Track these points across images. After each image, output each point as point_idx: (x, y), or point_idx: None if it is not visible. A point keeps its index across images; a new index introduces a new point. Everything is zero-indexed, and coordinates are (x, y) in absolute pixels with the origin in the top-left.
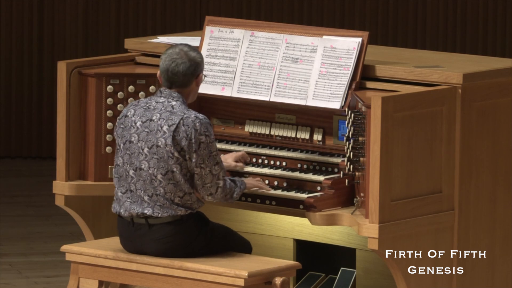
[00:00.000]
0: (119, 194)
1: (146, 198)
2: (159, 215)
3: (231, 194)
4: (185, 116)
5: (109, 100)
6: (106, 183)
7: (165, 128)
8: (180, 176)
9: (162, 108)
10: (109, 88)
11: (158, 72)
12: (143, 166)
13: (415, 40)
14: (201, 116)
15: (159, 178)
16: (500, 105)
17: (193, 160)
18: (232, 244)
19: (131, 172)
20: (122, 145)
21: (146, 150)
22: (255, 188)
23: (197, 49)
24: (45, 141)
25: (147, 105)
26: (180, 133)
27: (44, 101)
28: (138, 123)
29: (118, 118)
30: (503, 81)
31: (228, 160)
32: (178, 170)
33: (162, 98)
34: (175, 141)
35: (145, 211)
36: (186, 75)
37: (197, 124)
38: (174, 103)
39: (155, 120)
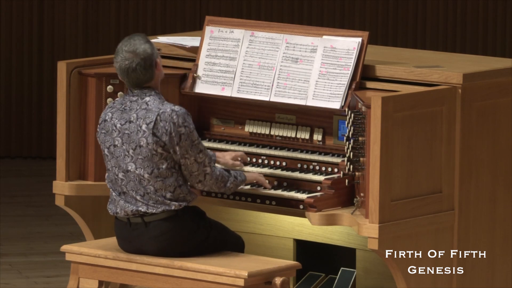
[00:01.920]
0: (114, 195)
1: (138, 197)
2: (154, 210)
3: (224, 182)
4: (161, 111)
5: (109, 100)
6: (106, 183)
7: (144, 127)
8: (167, 171)
9: (137, 107)
10: (109, 88)
11: (119, 76)
12: (130, 168)
13: (415, 40)
14: (177, 108)
15: (146, 178)
16: (500, 105)
17: (178, 153)
18: (228, 238)
19: (120, 175)
20: (106, 149)
21: (131, 151)
22: (255, 181)
23: (140, 38)
24: (45, 141)
25: (123, 106)
26: (159, 129)
27: (44, 101)
28: (118, 126)
29: (98, 123)
30: (503, 81)
31: (225, 157)
32: (164, 166)
33: (134, 96)
34: (155, 138)
35: (140, 208)
36: (146, 72)
37: (174, 117)
38: (147, 98)
39: (134, 120)
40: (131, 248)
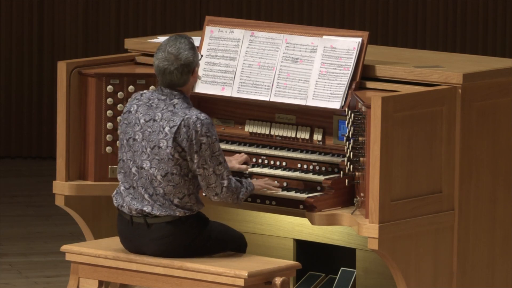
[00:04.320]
0: (122, 188)
1: (146, 196)
2: (158, 213)
3: (237, 194)
4: (186, 116)
5: (109, 100)
6: (106, 183)
7: (166, 129)
8: (179, 178)
9: (164, 107)
10: (109, 88)
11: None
12: (144, 165)
13: (415, 40)
14: (202, 116)
15: (158, 179)
16: (500, 105)
17: (195, 161)
18: (229, 241)
19: (133, 169)
20: (125, 141)
21: (148, 150)
22: (262, 189)
23: (187, 43)
24: (45, 141)
25: (150, 101)
26: (181, 134)
27: (44, 101)
28: (142, 121)
29: (122, 112)
30: (503, 81)
31: (232, 162)
32: (177, 172)
33: (163, 95)
34: (175, 143)
35: (145, 208)
36: (181, 77)
37: (198, 125)
38: (176, 100)
39: (158, 120)
40: (131, 247)
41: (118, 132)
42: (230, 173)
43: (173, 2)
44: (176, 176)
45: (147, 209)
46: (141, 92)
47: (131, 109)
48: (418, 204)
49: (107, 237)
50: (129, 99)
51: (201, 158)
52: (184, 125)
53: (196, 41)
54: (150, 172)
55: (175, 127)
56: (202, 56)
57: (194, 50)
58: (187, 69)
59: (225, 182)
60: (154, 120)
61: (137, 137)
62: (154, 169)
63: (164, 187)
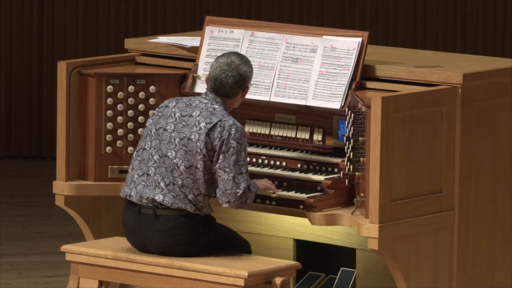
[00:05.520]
0: (135, 176)
1: (162, 184)
2: (169, 204)
3: (245, 201)
4: (224, 119)
5: (109, 100)
6: (106, 183)
7: (202, 124)
8: (201, 174)
9: (204, 108)
10: (109, 88)
11: (207, 75)
12: (169, 154)
13: (415, 40)
14: (239, 124)
15: (181, 169)
16: (500, 105)
17: (219, 161)
18: (233, 244)
19: (155, 157)
20: (154, 130)
21: (177, 140)
22: (265, 189)
23: (248, 61)
24: (45, 141)
25: (190, 101)
26: (215, 133)
27: (44, 101)
28: (177, 115)
29: (158, 107)
30: (503, 81)
31: (262, 181)
32: (201, 167)
33: (206, 100)
34: (208, 138)
35: (156, 197)
36: (233, 88)
37: (233, 129)
38: (216, 106)
39: (194, 116)
40: (134, 239)
41: (147, 124)
42: (247, 184)
43: (173, 2)
44: (199, 171)
45: (159, 198)
46: (181, 96)
47: (169, 105)
48: (418, 204)
49: (107, 237)
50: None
51: (225, 160)
52: (220, 126)
53: (196, 41)
54: (174, 161)
55: (211, 124)
56: (251, 84)
57: (252, 71)
58: (242, 82)
59: (240, 192)
60: (191, 116)
61: (168, 127)
62: (178, 159)
63: (184, 179)
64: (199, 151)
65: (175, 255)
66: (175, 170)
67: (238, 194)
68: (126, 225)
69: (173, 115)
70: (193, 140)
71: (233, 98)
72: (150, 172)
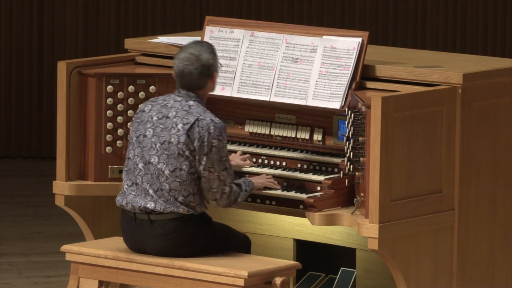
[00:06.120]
0: (125, 187)
1: (151, 191)
2: (161, 209)
3: (235, 199)
4: (200, 117)
5: (109, 100)
6: (106, 183)
7: (179, 126)
8: (187, 175)
9: (179, 107)
10: (109, 88)
11: (173, 73)
12: (152, 160)
13: (415, 40)
14: (216, 120)
15: (166, 174)
16: (500, 105)
17: (203, 163)
18: (233, 242)
19: (140, 165)
20: (135, 138)
21: (158, 145)
22: (263, 186)
23: (207, 48)
24: (45, 141)
25: (165, 102)
26: (194, 133)
27: (44, 101)
28: (154, 118)
29: (135, 113)
30: (503, 81)
31: (236, 160)
32: (186, 169)
33: (179, 97)
34: (188, 139)
35: (148, 205)
36: (200, 80)
37: (211, 127)
38: (191, 103)
39: (171, 117)
40: (133, 243)
41: (130, 131)
42: (233, 180)
43: (173, 2)
44: (184, 172)
45: (150, 205)
46: (157, 96)
47: (145, 109)
48: (418, 204)
49: (107, 237)
50: (144, 102)
51: (209, 161)
52: (198, 125)
53: None
54: (158, 167)
55: (189, 125)
56: (221, 65)
57: (215, 55)
58: (206, 71)
59: (227, 189)
60: (167, 117)
61: (147, 133)
62: (162, 164)
63: (171, 182)
64: (181, 153)
65: (175, 257)
66: (161, 176)
67: (225, 192)
68: (124, 231)
69: (150, 119)
70: (174, 143)
71: (204, 88)
72: (138, 181)
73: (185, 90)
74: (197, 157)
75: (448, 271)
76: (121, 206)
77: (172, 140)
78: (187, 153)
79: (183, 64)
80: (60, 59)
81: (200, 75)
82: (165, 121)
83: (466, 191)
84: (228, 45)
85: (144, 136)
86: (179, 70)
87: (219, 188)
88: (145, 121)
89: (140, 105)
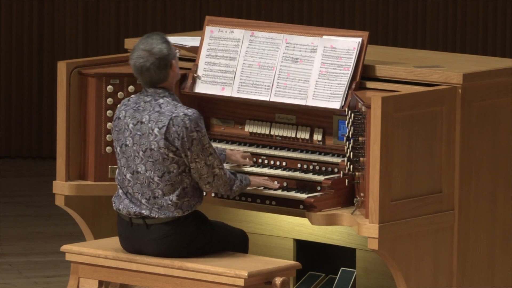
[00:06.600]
0: (120, 192)
1: (143, 201)
2: (157, 216)
3: (230, 185)
4: (173, 115)
5: (109, 100)
6: (106, 183)
7: (156, 131)
8: (177, 175)
9: (151, 109)
10: (109, 88)
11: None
12: (139, 169)
13: (415, 40)
14: (190, 112)
15: (156, 181)
16: (500, 105)
17: (188, 157)
18: (230, 239)
19: (128, 175)
20: (119, 148)
21: (141, 153)
22: (259, 186)
23: (159, 38)
24: (45, 141)
25: (137, 105)
26: (172, 134)
27: (44, 101)
28: (130, 125)
29: (113, 120)
30: (503, 81)
31: (237, 155)
32: (175, 170)
33: (148, 97)
34: (168, 142)
35: (143, 211)
36: (160, 73)
37: (187, 121)
38: (161, 101)
39: (145, 122)
40: (131, 248)
41: (113, 140)
42: (222, 164)
43: (173, 2)
44: (173, 174)
45: (145, 212)
46: (128, 97)
47: (120, 115)
48: (418, 204)
49: (107, 237)
50: (118, 106)
51: (193, 153)
52: (173, 124)
53: (196, 41)
54: (146, 175)
55: (164, 128)
56: (178, 51)
57: (168, 43)
58: (164, 63)
59: (216, 171)
60: (142, 123)
61: (128, 142)
62: (150, 171)
63: (163, 187)
64: (165, 157)
65: (175, 258)
66: (151, 183)
67: (216, 173)
68: (121, 235)
69: (127, 127)
70: (155, 149)
71: (167, 80)
72: (130, 191)
73: (151, 87)
74: (182, 154)
75: (448, 271)
76: (117, 210)
77: (153, 146)
78: (171, 155)
79: (139, 62)
80: (60, 59)
81: (158, 69)
82: (140, 127)
83: (466, 191)
84: (228, 45)
85: (126, 145)
86: (136, 69)
87: (209, 173)
88: (122, 130)
89: (115, 111)
